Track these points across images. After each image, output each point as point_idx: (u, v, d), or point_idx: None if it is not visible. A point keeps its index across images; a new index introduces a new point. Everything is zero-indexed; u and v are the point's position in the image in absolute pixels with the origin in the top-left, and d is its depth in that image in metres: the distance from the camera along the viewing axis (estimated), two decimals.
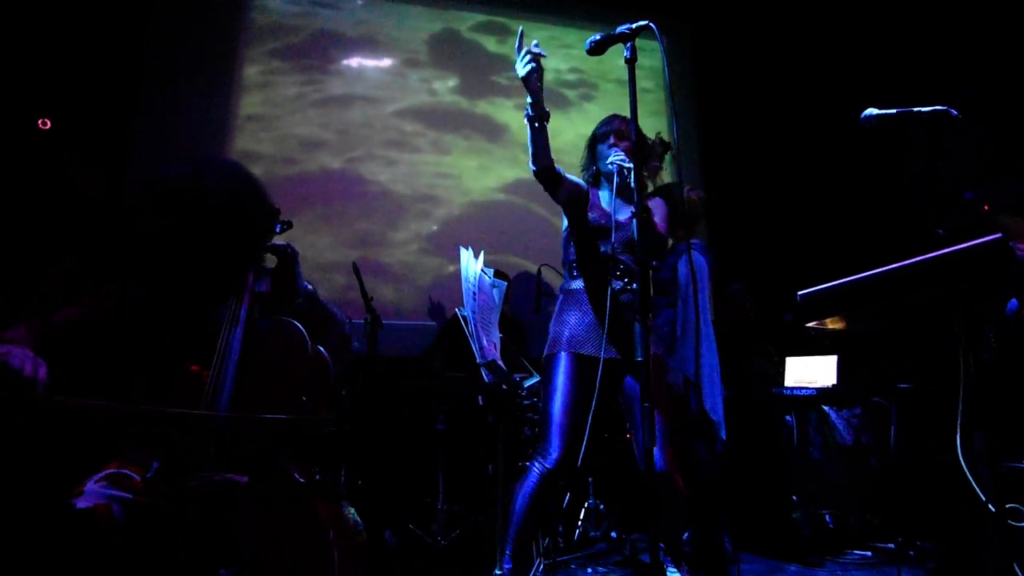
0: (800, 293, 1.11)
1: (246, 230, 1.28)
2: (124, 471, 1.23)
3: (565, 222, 1.95)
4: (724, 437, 2.33)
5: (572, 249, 1.93)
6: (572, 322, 1.81)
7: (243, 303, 1.30)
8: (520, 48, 1.62)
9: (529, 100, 1.63)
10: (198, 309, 1.32)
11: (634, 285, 1.70)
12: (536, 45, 1.62)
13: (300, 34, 3.98)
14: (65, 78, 3.21)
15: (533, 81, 1.62)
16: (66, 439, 1.45)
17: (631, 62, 1.31)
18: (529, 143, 1.70)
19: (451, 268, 3.83)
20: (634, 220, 1.70)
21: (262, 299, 1.36)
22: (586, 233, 1.87)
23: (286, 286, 1.41)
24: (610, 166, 1.80)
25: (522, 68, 1.60)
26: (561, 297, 1.91)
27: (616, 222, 1.83)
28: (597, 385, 1.62)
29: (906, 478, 2.38)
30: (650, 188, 1.98)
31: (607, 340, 1.74)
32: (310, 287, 1.45)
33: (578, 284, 1.87)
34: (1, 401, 1.10)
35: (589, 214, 1.89)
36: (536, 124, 1.65)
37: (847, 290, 1.02)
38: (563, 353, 1.78)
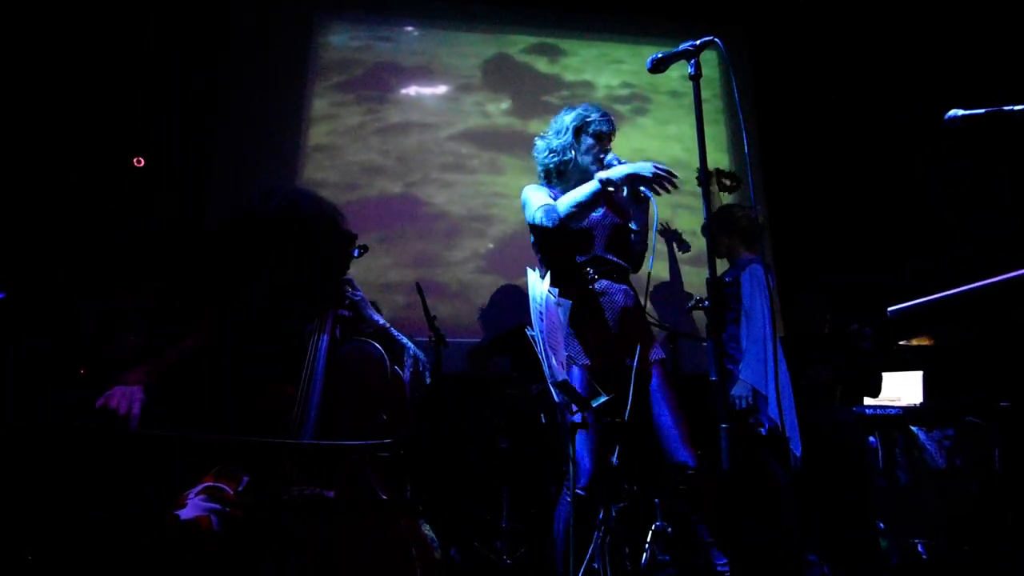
0: (891, 309, 1.05)
1: (333, 254, 1.35)
2: (219, 484, 1.31)
3: (532, 238, 1.92)
4: (799, 452, 2.24)
5: (549, 257, 1.87)
6: (578, 334, 1.74)
7: (327, 324, 1.37)
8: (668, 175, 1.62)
9: (616, 179, 1.65)
10: (291, 331, 1.40)
11: (623, 287, 1.69)
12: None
13: (361, 67, 4.19)
14: (149, 111, 3.51)
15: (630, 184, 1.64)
16: (164, 457, 1.56)
17: (696, 79, 1.31)
18: (582, 200, 1.68)
19: (507, 285, 3.87)
20: (611, 216, 1.68)
21: (343, 321, 1.43)
22: (567, 239, 1.81)
23: (356, 326, 1.49)
24: (642, 191, 1.72)
25: (646, 173, 1.61)
26: (562, 306, 1.79)
27: (600, 223, 1.80)
28: (631, 393, 1.59)
29: (1012, 506, 2.19)
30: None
31: (618, 344, 1.70)
32: (382, 321, 1.53)
33: (563, 291, 1.76)
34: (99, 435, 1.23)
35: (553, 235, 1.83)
36: (598, 193, 1.66)
37: (945, 305, 0.96)
38: (575, 368, 1.71)
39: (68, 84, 3.30)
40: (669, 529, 2.71)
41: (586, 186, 1.69)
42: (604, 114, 1.93)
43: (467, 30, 4.40)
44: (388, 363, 1.40)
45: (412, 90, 4.24)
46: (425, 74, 4.27)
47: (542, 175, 2.02)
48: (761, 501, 2.28)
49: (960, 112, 1.47)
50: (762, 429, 2.31)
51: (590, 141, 1.89)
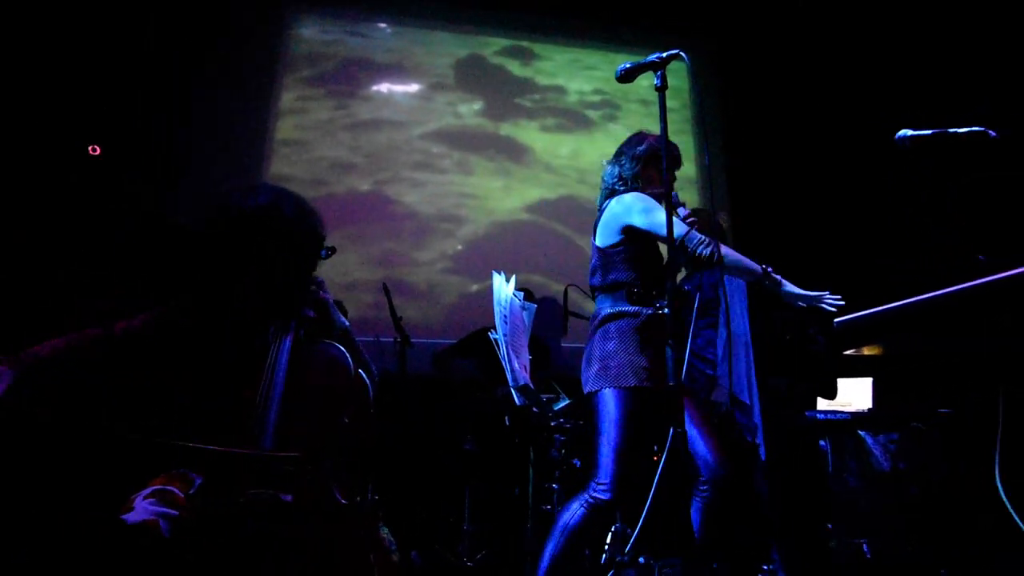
0: (837, 320, 1.10)
1: (301, 255, 1.33)
2: (169, 487, 1.27)
3: (615, 239, 1.85)
4: (764, 458, 2.28)
5: (631, 272, 1.83)
6: (637, 352, 1.75)
7: (291, 326, 1.34)
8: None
9: (784, 292, 1.68)
10: (252, 331, 1.37)
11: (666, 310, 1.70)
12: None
13: (332, 62, 4.12)
14: (112, 103, 3.38)
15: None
16: (113, 455, 1.50)
17: (661, 90, 1.34)
18: (745, 269, 1.72)
19: (475, 287, 3.86)
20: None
21: (308, 323, 1.40)
22: (652, 256, 1.83)
23: (321, 328, 1.46)
24: (700, 253, 1.75)
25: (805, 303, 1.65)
26: (622, 323, 1.79)
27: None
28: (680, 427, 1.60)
29: (948, 508, 2.31)
30: None
31: (664, 372, 1.71)
32: (347, 324, 1.51)
33: (643, 311, 1.78)
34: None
35: (648, 242, 1.84)
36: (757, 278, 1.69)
37: (887, 317, 1.01)
38: (628, 387, 1.70)
39: (27, 75, 3.15)
40: (628, 530, 2.76)
41: (754, 265, 1.71)
42: (673, 149, 1.92)
43: (441, 29, 4.37)
44: (352, 365, 1.38)
45: (384, 87, 4.19)
46: (397, 71, 4.23)
47: (604, 194, 2.02)
48: (744, 510, 2.30)
49: (909, 132, 1.54)
50: (748, 436, 2.31)
51: (655, 175, 1.91)
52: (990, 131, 1.41)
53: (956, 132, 1.47)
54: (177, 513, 1.21)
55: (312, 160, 3.93)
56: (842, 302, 1.62)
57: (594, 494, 1.66)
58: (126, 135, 3.36)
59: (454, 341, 3.39)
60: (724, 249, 1.67)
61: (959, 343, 1.42)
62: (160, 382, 1.37)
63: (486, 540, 2.69)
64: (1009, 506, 1.34)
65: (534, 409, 1.42)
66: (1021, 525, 1.37)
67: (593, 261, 1.93)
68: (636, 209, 1.81)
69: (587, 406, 1.78)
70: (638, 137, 1.96)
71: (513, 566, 2.45)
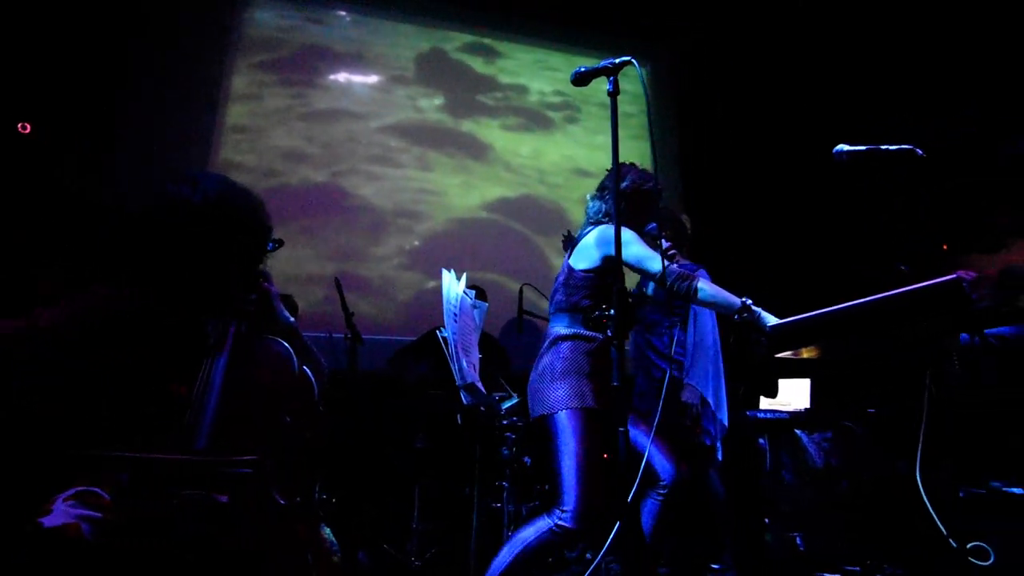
0: (770, 325, 1.15)
1: (248, 249, 1.28)
2: (93, 488, 1.21)
3: (591, 264, 1.85)
4: (720, 458, 2.30)
5: (595, 298, 1.83)
6: (591, 376, 1.74)
7: (230, 321, 1.29)
8: None
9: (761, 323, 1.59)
10: (184, 326, 1.31)
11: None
12: None
13: (288, 48, 4.00)
14: (52, 82, 3.17)
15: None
16: (32, 455, 1.41)
17: (613, 96, 1.36)
18: (720, 304, 1.67)
19: (431, 284, 3.83)
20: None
21: (250, 318, 1.35)
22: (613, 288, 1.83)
23: (265, 323, 1.41)
24: (676, 289, 1.73)
25: None
26: (578, 346, 1.78)
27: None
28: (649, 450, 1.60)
29: (875, 503, 2.45)
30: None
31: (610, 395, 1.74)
32: (292, 320, 1.46)
33: (597, 336, 1.78)
34: None
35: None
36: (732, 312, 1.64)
37: (815, 324, 1.07)
38: (586, 409, 1.70)
39: None
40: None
41: (732, 299, 1.65)
42: (650, 177, 1.96)
43: (403, 21, 4.31)
44: (295, 362, 1.34)
45: (342, 76, 4.09)
46: (356, 62, 4.14)
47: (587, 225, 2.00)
48: (697, 514, 2.33)
49: (846, 148, 1.62)
50: (707, 439, 2.28)
51: (647, 218, 1.92)
52: (917, 149, 1.50)
53: (888, 149, 1.56)
54: (101, 515, 1.15)
55: (264, 149, 3.80)
56: None
57: (559, 521, 1.63)
58: (62, 114, 3.16)
59: (408, 338, 3.35)
60: (701, 282, 1.68)
61: (884, 347, 1.50)
62: (89, 375, 1.30)
63: (435, 539, 2.68)
64: (926, 500, 1.43)
65: (481, 408, 1.42)
66: (937, 519, 1.46)
67: (560, 279, 1.90)
68: (624, 242, 1.83)
69: (541, 430, 1.76)
70: (624, 169, 1.96)
71: (461, 565, 2.45)
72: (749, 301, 1.59)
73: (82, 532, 1.11)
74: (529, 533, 1.67)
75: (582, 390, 1.70)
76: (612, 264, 1.79)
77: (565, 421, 1.68)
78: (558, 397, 1.71)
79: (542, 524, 1.66)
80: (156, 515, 1.15)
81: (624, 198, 1.90)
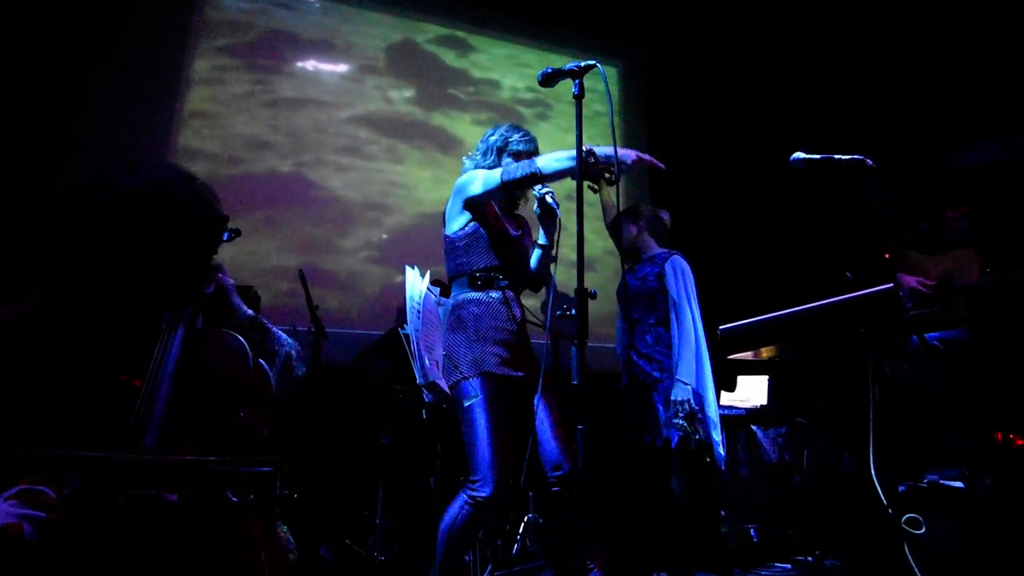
0: (721, 328, 1.19)
1: (196, 239, 1.24)
2: (37, 487, 1.16)
3: (461, 224, 1.87)
4: (723, 454, 2.25)
5: (478, 256, 1.84)
6: (490, 339, 1.75)
7: (185, 313, 1.26)
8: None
9: (600, 154, 1.68)
10: (136, 317, 1.27)
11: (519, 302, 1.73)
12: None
13: (253, 32, 3.88)
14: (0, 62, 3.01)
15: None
16: None
17: (579, 99, 1.38)
18: (563, 164, 1.69)
19: (400, 278, 3.80)
20: (527, 238, 1.77)
21: (205, 311, 1.32)
22: (496, 240, 1.83)
23: (221, 315, 1.38)
24: (548, 201, 1.81)
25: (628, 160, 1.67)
26: (470, 310, 1.78)
27: (516, 234, 1.87)
28: (538, 404, 1.64)
29: (821, 494, 2.55)
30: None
31: (519, 357, 1.74)
32: (251, 313, 1.43)
33: (489, 296, 1.80)
34: None
35: (492, 222, 1.86)
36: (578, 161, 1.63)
37: (762, 327, 1.11)
38: (488, 374, 1.72)
39: None
40: (540, 520, 2.84)
41: (570, 152, 1.66)
42: (525, 134, 1.98)
43: (374, 9, 4.23)
44: (251, 356, 1.32)
45: (309, 64, 4.00)
46: (325, 49, 4.05)
47: None
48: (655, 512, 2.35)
49: (802, 155, 1.68)
50: (699, 435, 2.20)
51: (508, 160, 1.93)
52: (868, 160, 1.57)
53: (840, 158, 1.62)
54: (45, 515, 1.11)
55: (227, 136, 3.69)
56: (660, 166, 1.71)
57: (471, 492, 1.65)
58: (8, 96, 3.00)
59: (375, 332, 3.32)
60: (537, 158, 1.74)
61: (839, 348, 1.57)
62: (39, 370, 1.25)
63: (398, 534, 2.67)
64: (880, 492, 1.50)
65: (443, 405, 1.43)
66: (888, 507, 1.53)
67: (444, 253, 1.95)
68: (465, 184, 1.86)
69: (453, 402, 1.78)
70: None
71: (425, 560, 2.45)
72: (588, 147, 1.63)
73: (23, 532, 1.07)
74: (450, 513, 1.69)
75: (481, 356, 1.72)
76: (475, 207, 1.85)
77: (467, 389, 1.69)
78: (458, 365, 1.72)
79: (458, 500, 1.69)
80: (103, 515, 1.12)
81: (495, 152, 1.95)
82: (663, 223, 2.62)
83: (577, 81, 1.38)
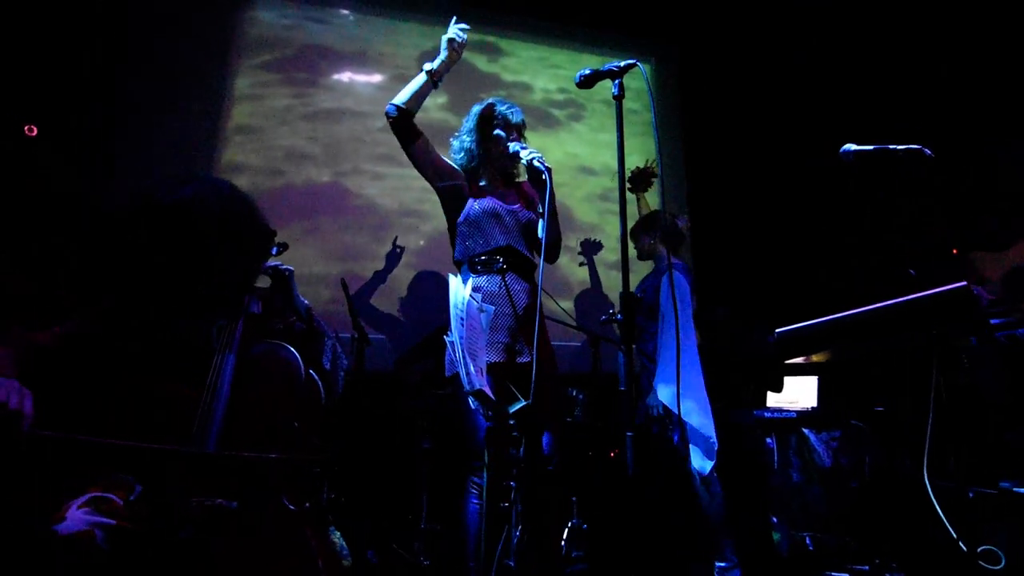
0: (778, 331, 1.14)
1: (245, 253, 1.28)
2: (107, 495, 1.21)
3: (451, 213, 1.92)
4: (714, 459, 2.30)
5: (473, 242, 1.85)
6: (494, 325, 1.74)
7: (238, 326, 1.30)
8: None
9: (436, 63, 1.79)
10: (193, 330, 1.31)
11: (526, 285, 1.74)
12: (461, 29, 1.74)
13: (291, 47, 3.99)
14: (50, 83, 3.18)
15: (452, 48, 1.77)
16: (47, 462, 1.43)
17: (619, 99, 1.36)
18: (411, 86, 1.79)
19: (437, 283, 3.83)
20: (524, 211, 1.75)
21: (255, 321, 1.36)
22: (478, 223, 1.84)
23: (281, 306, 1.41)
24: (536, 163, 1.78)
25: (456, 34, 1.78)
26: (473, 295, 1.74)
27: (508, 210, 1.83)
28: (532, 389, 1.61)
29: (881, 501, 2.44)
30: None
31: (513, 342, 1.71)
32: (307, 302, 1.46)
33: (479, 281, 1.79)
34: None
35: (476, 202, 1.85)
36: (429, 78, 1.77)
37: (822, 330, 1.06)
38: (487, 360, 1.66)
39: None
40: (584, 526, 2.81)
41: (415, 78, 1.80)
42: (510, 106, 1.98)
43: (406, 20, 4.29)
44: (302, 367, 1.35)
45: (345, 76, 4.08)
46: (360, 61, 4.12)
47: None
48: (680, 509, 2.34)
49: (853, 147, 1.61)
50: (674, 435, 2.34)
51: (497, 131, 1.91)
52: (926, 149, 1.49)
53: (895, 149, 1.54)
54: (114, 522, 1.16)
55: (268, 149, 3.80)
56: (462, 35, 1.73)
57: (475, 478, 1.68)
58: (62, 116, 3.16)
59: (412, 337, 3.36)
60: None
61: (892, 346, 1.49)
62: (99, 384, 1.31)
63: (442, 538, 2.69)
64: (934, 501, 1.42)
65: (489, 413, 1.43)
66: (945, 520, 1.45)
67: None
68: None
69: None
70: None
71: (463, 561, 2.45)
72: (427, 66, 1.80)
73: (95, 539, 1.12)
74: (466, 507, 1.72)
75: (476, 343, 1.68)
76: (448, 191, 1.83)
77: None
78: (453, 352, 1.69)
79: (468, 492, 1.72)
80: (168, 521, 1.16)
81: (476, 118, 1.99)
82: (680, 231, 2.73)
83: (617, 81, 1.35)
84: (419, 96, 1.83)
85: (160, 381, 1.27)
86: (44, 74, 3.16)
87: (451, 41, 1.87)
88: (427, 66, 1.89)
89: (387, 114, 1.86)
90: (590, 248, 3.82)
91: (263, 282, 1.54)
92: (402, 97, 1.83)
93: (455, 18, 1.87)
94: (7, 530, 1.13)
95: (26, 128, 3.14)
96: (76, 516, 1.15)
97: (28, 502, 1.30)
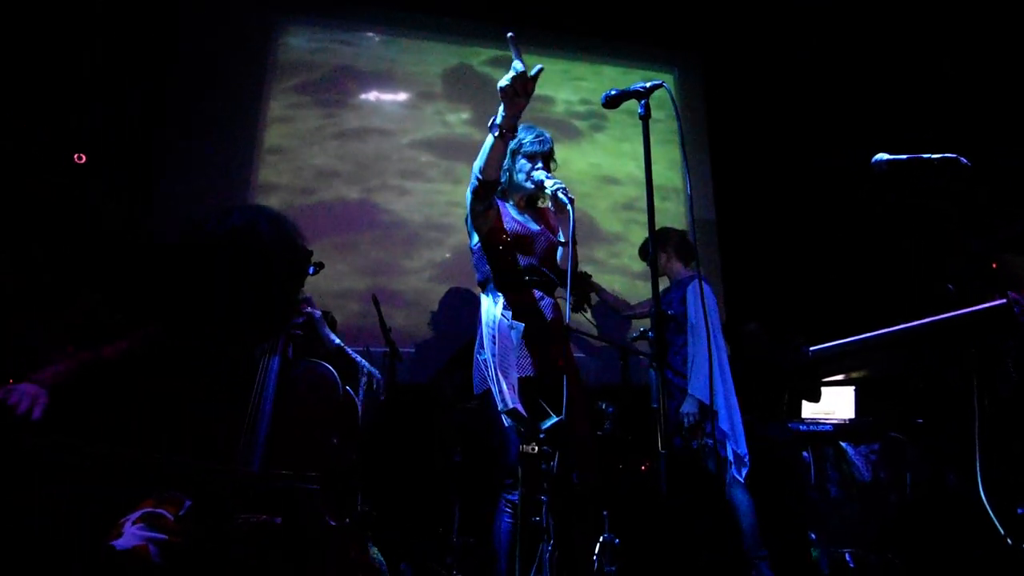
0: (812, 349, 1.13)
1: (284, 276, 1.33)
2: (159, 511, 1.27)
3: (476, 239, 1.93)
4: (746, 463, 2.31)
5: (495, 264, 1.87)
6: (524, 343, 1.74)
7: (278, 346, 1.35)
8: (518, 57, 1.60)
9: (498, 119, 1.66)
10: (238, 351, 1.37)
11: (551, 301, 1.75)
12: (536, 69, 1.61)
13: (320, 70, 4.12)
14: (90, 112, 3.33)
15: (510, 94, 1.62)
16: (101, 478, 1.49)
17: (645, 119, 1.37)
18: (485, 153, 1.71)
19: (464, 296, 3.88)
20: (547, 233, 1.78)
21: (295, 341, 1.41)
22: (505, 245, 1.85)
23: (311, 345, 1.46)
24: (560, 196, 1.81)
25: (506, 79, 1.62)
26: (502, 313, 1.79)
27: (533, 233, 1.85)
28: (564, 405, 1.61)
29: (924, 516, 2.36)
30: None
31: (540, 359, 1.72)
32: (338, 341, 1.51)
33: (508, 299, 1.81)
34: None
35: (506, 224, 1.88)
36: (498, 137, 1.67)
37: (857, 348, 1.05)
38: (518, 377, 1.67)
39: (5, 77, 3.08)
40: (616, 541, 2.78)
41: (486, 140, 1.71)
42: (538, 135, 2.00)
43: (430, 39, 4.39)
44: (340, 385, 1.39)
45: (372, 95, 4.19)
46: (385, 80, 4.23)
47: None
48: (715, 523, 2.33)
49: (885, 157, 1.59)
50: (708, 441, 2.35)
51: (523, 161, 1.96)
52: (962, 158, 1.46)
53: (930, 158, 1.52)
54: (167, 537, 1.21)
55: (299, 168, 3.92)
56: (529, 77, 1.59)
57: (508, 496, 1.69)
58: (106, 143, 3.31)
59: (442, 351, 3.40)
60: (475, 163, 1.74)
61: (935, 365, 1.46)
62: (147, 404, 1.37)
63: (474, 551, 2.70)
64: (994, 517, 1.38)
65: (521, 429, 1.44)
66: (1004, 534, 1.40)
67: (473, 263, 1.99)
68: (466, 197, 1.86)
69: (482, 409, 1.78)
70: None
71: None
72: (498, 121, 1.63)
73: (150, 554, 1.17)
74: (501, 536, 1.73)
75: (507, 361, 1.70)
76: (474, 219, 1.84)
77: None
78: (486, 370, 1.71)
79: (499, 517, 1.72)
80: (217, 536, 1.21)
81: (509, 155, 1.94)
82: (689, 243, 2.76)
83: (643, 102, 1.37)
84: (492, 160, 1.72)
85: (210, 403, 1.32)
86: (84, 105, 3.31)
87: (502, 90, 1.67)
88: (492, 124, 1.75)
89: (471, 188, 1.82)
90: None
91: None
92: (477, 164, 1.76)
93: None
94: (72, 546, 1.18)
95: (75, 156, 3.29)
96: (131, 531, 1.21)
97: (28, 502, 1.36)
